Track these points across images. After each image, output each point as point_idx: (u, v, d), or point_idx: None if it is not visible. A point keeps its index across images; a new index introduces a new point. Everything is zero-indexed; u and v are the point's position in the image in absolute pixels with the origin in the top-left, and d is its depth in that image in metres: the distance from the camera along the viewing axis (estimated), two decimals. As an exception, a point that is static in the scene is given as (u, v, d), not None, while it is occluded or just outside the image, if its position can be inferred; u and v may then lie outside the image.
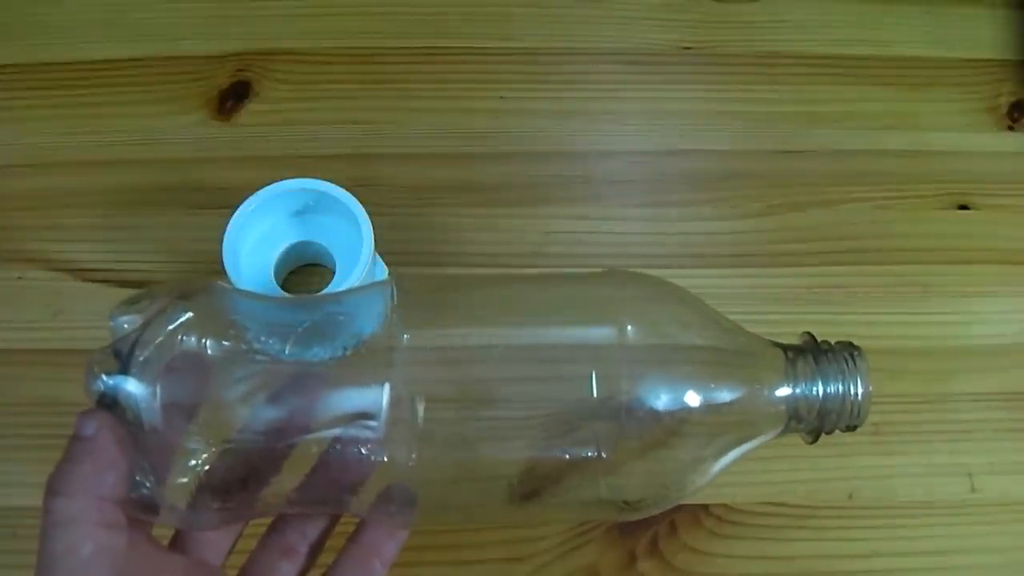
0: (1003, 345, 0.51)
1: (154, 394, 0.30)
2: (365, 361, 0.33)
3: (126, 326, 0.32)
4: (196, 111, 0.55)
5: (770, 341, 0.36)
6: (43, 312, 0.50)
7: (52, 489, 0.29)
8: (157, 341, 0.31)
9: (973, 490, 0.48)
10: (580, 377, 0.34)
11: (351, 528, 0.37)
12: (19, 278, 0.50)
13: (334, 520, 0.36)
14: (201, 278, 0.36)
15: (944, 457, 0.49)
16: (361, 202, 0.46)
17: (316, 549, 0.36)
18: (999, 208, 0.55)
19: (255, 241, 0.48)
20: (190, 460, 0.31)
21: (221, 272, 0.44)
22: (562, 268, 0.52)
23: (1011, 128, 0.57)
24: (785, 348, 0.36)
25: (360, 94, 0.56)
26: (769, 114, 0.57)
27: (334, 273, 0.48)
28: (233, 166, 0.53)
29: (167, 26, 0.57)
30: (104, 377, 0.30)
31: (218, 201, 0.49)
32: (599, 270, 0.38)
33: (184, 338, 0.32)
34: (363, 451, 0.32)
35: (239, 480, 0.32)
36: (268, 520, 0.36)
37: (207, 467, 0.31)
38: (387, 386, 0.33)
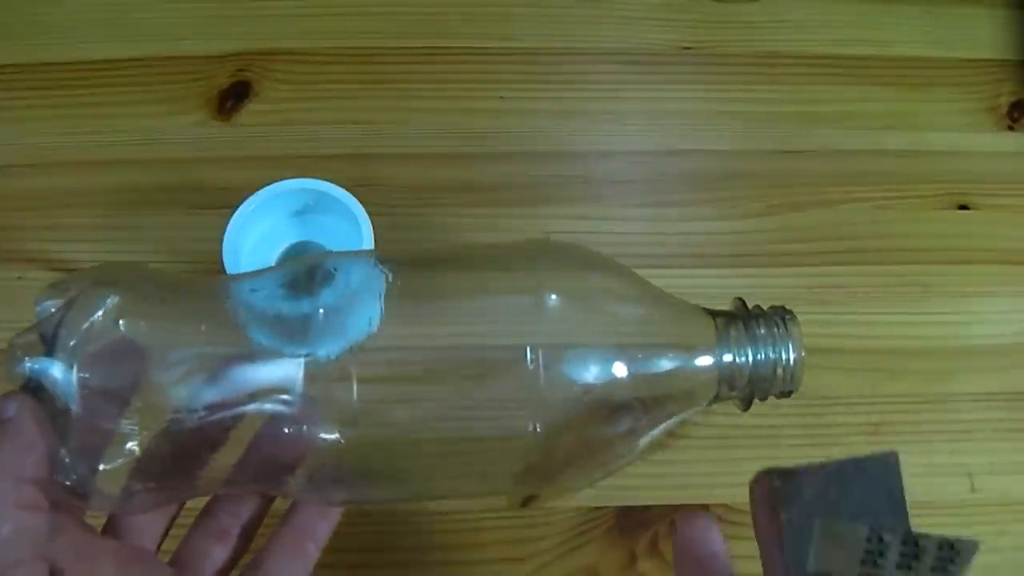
0: (1003, 345, 0.51)
1: (82, 378, 0.30)
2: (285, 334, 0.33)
3: (52, 310, 0.31)
4: (196, 111, 0.55)
5: (700, 308, 0.36)
6: (43, 312, 0.50)
7: None
8: (83, 325, 0.31)
9: (973, 490, 0.48)
10: (503, 348, 0.34)
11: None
12: (19, 278, 0.50)
13: (267, 502, 0.36)
14: (125, 262, 0.35)
15: (944, 457, 0.49)
16: (361, 202, 0.46)
17: (249, 532, 0.36)
18: (999, 208, 0.55)
19: (255, 241, 0.48)
20: (121, 444, 0.31)
21: (221, 270, 0.44)
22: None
23: (1011, 128, 0.57)
24: (715, 314, 0.36)
25: (360, 94, 0.56)
26: (769, 114, 0.57)
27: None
28: (233, 166, 0.53)
29: (167, 26, 0.57)
30: (28, 361, 0.30)
31: (218, 201, 0.49)
32: (522, 241, 0.39)
33: (111, 321, 0.31)
34: (288, 429, 0.32)
35: (171, 463, 0.32)
36: (201, 504, 0.36)
37: (139, 451, 0.31)
38: (302, 361, 0.33)
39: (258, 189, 0.46)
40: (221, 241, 0.44)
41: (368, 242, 0.45)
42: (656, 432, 0.36)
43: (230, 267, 0.44)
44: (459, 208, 0.53)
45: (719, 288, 0.52)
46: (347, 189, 0.46)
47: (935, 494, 0.48)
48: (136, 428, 0.31)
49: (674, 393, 0.35)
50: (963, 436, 0.49)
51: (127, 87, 0.55)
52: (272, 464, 0.34)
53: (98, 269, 0.34)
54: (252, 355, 0.33)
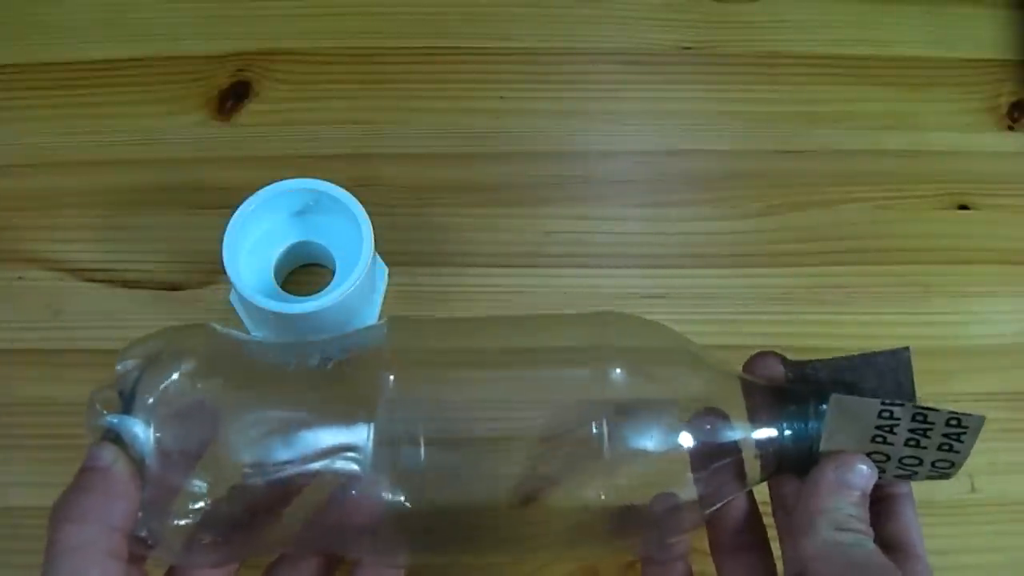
0: (1003, 345, 0.51)
1: (157, 436, 0.31)
2: (353, 399, 0.34)
3: (129, 364, 0.33)
4: (196, 111, 0.55)
5: (745, 379, 0.35)
6: (43, 312, 0.50)
7: (61, 516, 0.29)
8: (161, 384, 0.32)
9: (973, 490, 0.48)
10: (569, 418, 0.34)
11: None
12: (19, 278, 0.50)
13: (330, 562, 0.36)
14: (203, 326, 0.36)
15: (944, 457, 0.49)
16: (361, 202, 0.46)
17: None
18: (999, 208, 0.55)
19: (255, 241, 0.48)
20: (191, 501, 0.32)
21: (221, 270, 0.44)
22: (562, 268, 0.52)
23: (1011, 128, 0.57)
24: (757, 388, 0.35)
25: (360, 94, 0.56)
26: (769, 114, 0.57)
27: (334, 273, 0.48)
28: (233, 166, 0.53)
29: (167, 26, 0.57)
30: (107, 416, 0.31)
31: (218, 201, 0.49)
32: (589, 312, 0.39)
33: (186, 382, 0.33)
34: (354, 491, 0.33)
35: (238, 521, 0.33)
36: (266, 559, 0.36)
37: (207, 508, 0.32)
38: (372, 424, 0.33)
39: (258, 189, 0.46)
40: (221, 241, 0.44)
41: (368, 242, 0.45)
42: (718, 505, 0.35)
43: (230, 267, 0.44)
44: (459, 208, 0.53)
45: (719, 288, 0.52)
46: (347, 189, 0.46)
47: (935, 494, 0.48)
48: (206, 486, 0.32)
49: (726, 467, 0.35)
50: (963, 436, 0.49)
51: (127, 87, 0.55)
52: (339, 525, 0.34)
53: (177, 330, 0.35)
54: (320, 417, 0.34)
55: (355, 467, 0.33)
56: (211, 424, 0.33)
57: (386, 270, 0.50)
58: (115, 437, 0.31)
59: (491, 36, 0.57)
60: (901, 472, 0.32)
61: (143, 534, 0.31)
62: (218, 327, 0.36)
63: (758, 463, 0.34)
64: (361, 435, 0.33)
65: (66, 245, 0.51)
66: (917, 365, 0.50)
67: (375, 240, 0.45)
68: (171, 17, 0.57)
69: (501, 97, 0.56)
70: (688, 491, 0.34)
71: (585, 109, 0.56)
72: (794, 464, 0.33)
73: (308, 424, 0.33)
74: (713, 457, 0.34)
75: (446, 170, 0.54)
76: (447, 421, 0.35)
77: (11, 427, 0.48)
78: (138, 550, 0.32)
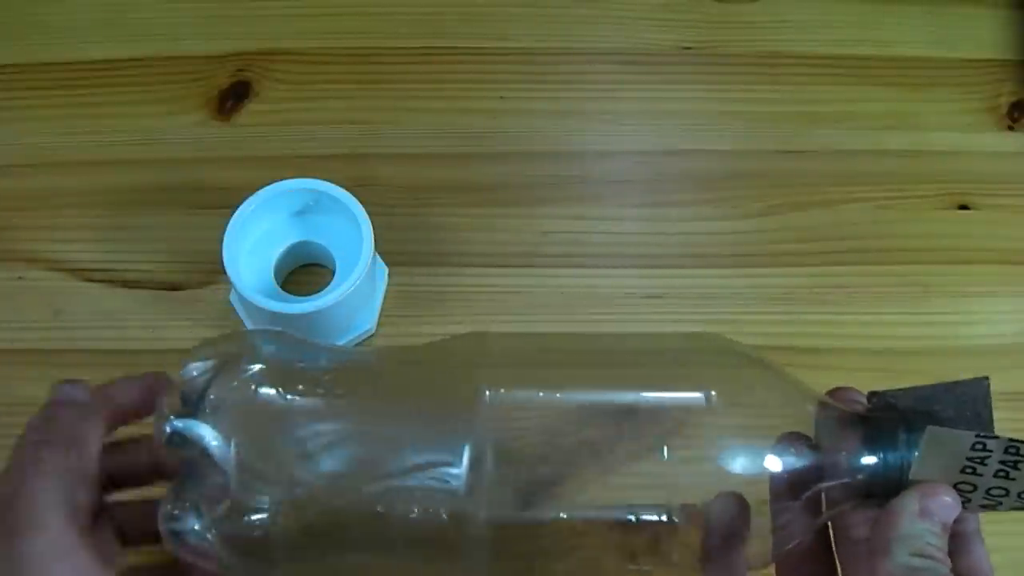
0: (1003, 345, 0.51)
1: (224, 440, 0.31)
2: (446, 419, 0.33)
3: (195, 373, 0.32)
4: (196, 111, 0.55)
5: (832, 406, 0.35)
6: (43, 312, 0.50)
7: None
8: (227, 388, 0.32)
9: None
10: (662, 442, 0.34)
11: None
12: (19, 278, 0.50)
13: None
14: (272, 330, 0.36)
15: (944, 458, 0.49)
16: (359, 202, 0.46)
17: None
18: (999, 208, 0.55)
19: (255, 241, 0.48)
20: (252, 513, 0.32)
21: (221, 270, 0.44)
22: (559, 268, 0.52)
23: (1011, 128, 0.57)
24: (846, 416, 0.34)
25: (358, 94, 0.56)
26: (770, 114, 0.57)
27: (334, 273, 0.48)
28: (233, 166, 0.53)
29: (167, 26, 0.57)
30: (173, 419, 0.31)
31: (218, 201, 0.49)
32: (684, 333, 0.39)
33: (255, 387, 0.33)
34: (438, 507, 0.32)
35: (299, 541, 0.32)
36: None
37: (269, 522, 0.32)
38: (468, 447, 0.32)
39: (258, 189, 0.46)
40: (221, 241, 0.44)
41: (368, 242, 0.45)
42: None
43: (230, 267, 0.44)
44: (456, 208, 0.53)
45: (719, 288, 0.52)
46: (346, 189, 0.46)
47: None
48: (272, 498, 0.32)
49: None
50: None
51: (127, 87, 0.55)
52: (408, 541, 0.33)
53: (245, 334, 0.36)
54: (410, 431, 0.33)
55: (450, 485, 0.32)
56: (283, 433, 0.32)
57: (386, 270, 0.50)
58: (181, 441, 0.31)
59: (488, 36, 0.57)
60: (986, 502, 0.32)
61: (187, 527, 0.31)
62: (290, 335, 0.36)
63: (841, 490, 0.34)
64: (456, 452, 0.32)
65: (66, 245, 0.51)
66: (917, 365, 0.50)
67: (374, 240, 0.45)
68: (171, 17, 0.57)
69: (501, 97, 0.56)
70: (766, 518, 0.33)
71: (583, 109, 0.56)
72: (882, 491, 0.33)
73: (395, 439, 0.33)
74: (799, 485, 0.33)
75: (443, 170, 0.54)
76: (549, 444, 0.34)
77: (11, 427, 0.47)
78: (189, 556, 0.31)
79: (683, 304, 0.52)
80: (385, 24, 0.57)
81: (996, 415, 0.49)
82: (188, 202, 0.52)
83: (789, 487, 0.33)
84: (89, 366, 0.48)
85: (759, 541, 0.33)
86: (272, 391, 0.33)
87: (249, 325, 0.48)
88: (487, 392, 0.33)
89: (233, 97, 0.55)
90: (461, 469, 0.32)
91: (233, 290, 0.46)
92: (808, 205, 0.54)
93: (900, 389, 0.34)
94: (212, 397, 0.32)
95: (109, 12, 0.57)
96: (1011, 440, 0.30)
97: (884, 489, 0.33)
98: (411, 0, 0.58)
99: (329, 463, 0.32)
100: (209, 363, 0.33)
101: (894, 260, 0.53)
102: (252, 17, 0.57)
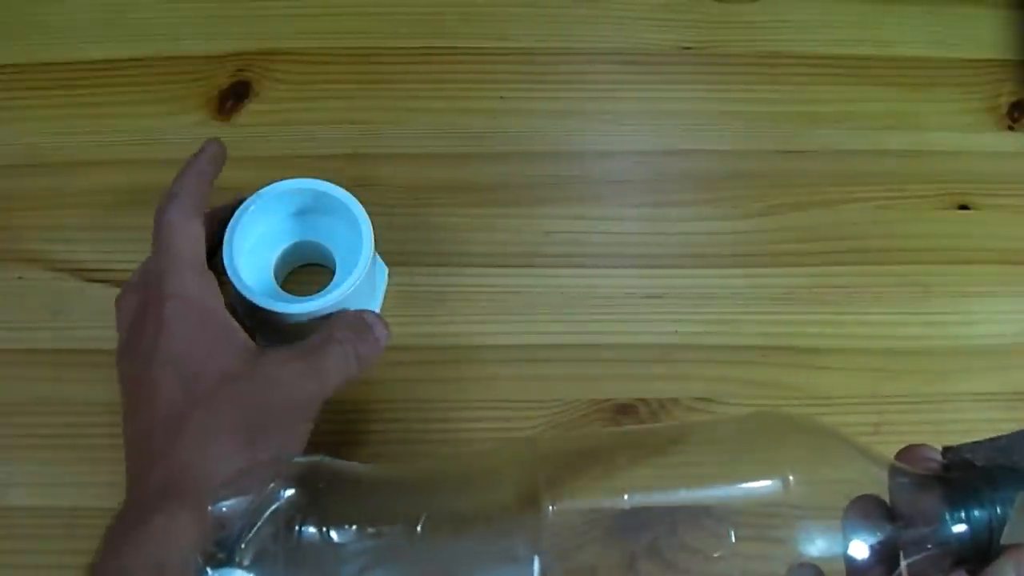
0: (1003, 345, 0.51)
1: None
2: (509, 533, 0.32)
3: (224, 510, 0.31)
4: (196, 111, 0.55)
5: (908, 471, 0.34)
6: (43, 312, 0.50)
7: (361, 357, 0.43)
8: (264, 530, 0.30)
9: (973, 490, 0.48)
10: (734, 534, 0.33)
11: None
12: (19, 278, 0.50)
13: None
14: (306, 456, 0.34)
15: (944, 457, 0.49)
16: (359, 202, 0.46)
17: None
18: (999, 208, 0.55)
19: (255, 241, 0.48)
20: None
21: (222, 270, 0.44)
22: (560, 268, 0.52)
23: (1011, 128, 0.57)
24: (924, 480, 0.33)
25: (358, 94, 0.56)
26: (770, 114, 0.57)
27: (334, 273, 0.48)
28: (233, 166, 0.53)
29: (167, 26, 0.57)
30: (210, 571, 0.29)
31: (218, 201, 0.49)
32: (746, 415, 0.37)
33: (294, 527, 0.31)
34: None
35: None
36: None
37: None
38: (536, 561, 0.31)
39: (258, 189, 0.46)
40: (221, 241, 0.44)
41: (368, 242, 0.45)
42: None
43: (229, 267, 0.44)
44: (457, 208, 0.53)
45: (719, 288, 0.52)
46: (346, 189, 0.46)
47: None
48: None
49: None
50: (963, 436, 0.48)
51: (127, 87, 0.55)
52: None
53: (275, 467, 0.33)
54: (452, 555, 0.32)
55: None
56: (320, 567, 0.31)
57: (386, 270, 0.50)
58: None
59: (488, 36, 0.57)
60: None
61: None
62: (326, 460, 0.33)
63: (927, 561, 0.32)
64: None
65: (66, 245, 0.51)
66: (917, 365, 0.51)
67: (375, 240, 0.45)
68: (171, 17, 0.57)
69: (501, 97, 0.56)
70: None
71: (583, 109, 0.56)
72: (971, 556, 0.31)
73: (454, 569, 0.31)
74: (882, 559, 0.31)
75: (443, 170, 0.54)
76: (617, 553, 0.33)
77: (11, 427, 0.48)
78: None
79: (683, 304, 0.52)
80: (385, 24, 0.57)
81: (996, 415, 0.50)
82: (188, 202, 0.52)
83: (872, 567, 0.31)
84: (89, 366, 0.48)
85: None
86: (313, 530, 0.31)
87: (249, 324, 0.48)
88: (550, 507, 0.31)
89: (233, 97, 0.55)
90: None
91: (233, 290, 0.46)
92: (808, 205, 0.54)
93: (976, 442, 0.33)
94: (248, 539, 0.30)
95: (109, 12, 0.57)
96: None
97: (974, 553, 0.31)
98: (411, 0, 0.58)
99: None
100: (242, 499, 0.31)
101: (894, 260, 0.53)
102: (252, 17, 0.57)
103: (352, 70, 0.56)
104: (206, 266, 0.43)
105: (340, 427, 0.48)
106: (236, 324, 0.42)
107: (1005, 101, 0.57)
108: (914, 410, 0.50)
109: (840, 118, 0.57)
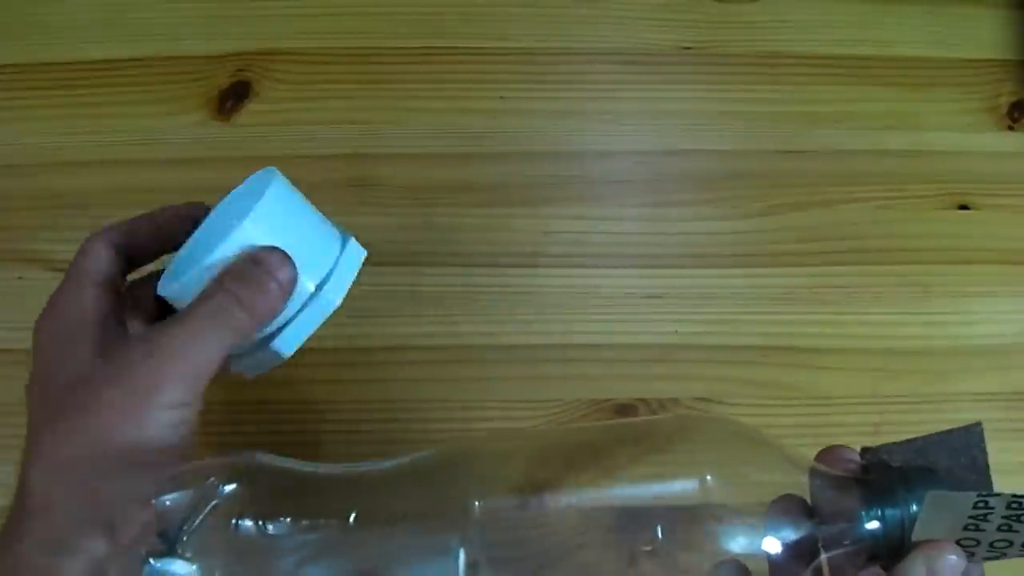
0: (1003, 345, 0.51)
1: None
2: (437, 528, 0.33)
3: (167, 503, 0.31)
4: (196, 111, 0.55)
5: (826, 472, 0.35)
6: (43, 312, 0.50)
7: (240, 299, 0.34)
8: (205, 523, 0.31)
9: (973, 491, 0.48)
10: (660, 532, 0.33)
11: None
12: (19, 278, 0.50)
13: None
14: (246, 453, 0.34)
15: (944, 458, 0.49)
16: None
17: None
18: (999, 208, 0.55)
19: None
20: None
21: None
22: (560, 268, 0.52)
23: (1011, 128, 0.57)
24: (841, 480, 0.34)
25: (358, 94, 0.56)
26: (770, 114, 0.57)
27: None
28: (233, 166, 0.53)
29: (167, 26, 0.57)
30: (153, 561, 0.30)
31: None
32: (671, 416, 0.39)
33: (234, 518, 0.31)
34: None
35: None
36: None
37: None
38: (462, 555, 0.31)
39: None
40: None
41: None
42: None
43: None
44: (457, 208, 0.53)
45: (720, 288, 0.52)
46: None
47: None
48: None
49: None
50: (963, 436, 0.49)
51: (127, 87, 0.55)
52: None
53: (219, 463, 0.33)
54: (386, 551, 0.33)
55: None
56: (259, 560, 0.32)
57: (360, 253, 0.41)
58: None
59: (488, 36, 0.57)
60: (990, 554, 0.32)
61: None
62: (266, 456, 0.34)
63: (844, 557, 0.33)
64: (451, 570, 0.31)
65: (66, 245, 0.51)
66: (917, 365, 0.51)
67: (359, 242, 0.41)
68: (171, 17, 0.57)
69: (501, 97, 0.56)
70: None
71: (583, 109, 0.56)
72: (885, 552, 0.33)
73: (386, 564, 0.32)
74: (800, 556, 0.32)
75: (444, 170, 0.54)
76: (544, 549, 0.33)
77: (11, 427, 0.48)
78: None
79: (683, 304, 0.52)
80: (385, 24, 0.57)
81: (996, 415, 0.50)
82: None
83: (792, 562, 0.32)
84: (89, 366, 0.48)
85: None
86: (252, 523, 0.31)
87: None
88: (477, 505, 0.32)
89: (233, 97, 0.55)
90: None
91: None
92: (808, 205, 0.54)
93: (894, 443, 0.34)
94: (190, 532, 0.31)
95: (109, 12, 0.57)
96: (1014, 496, 0.30)
97: (888, 550, 0.32)
98: (411, 0, 0.58)
99: None
100: (184, 493, 0.31)
101: (894, 260, 0.53)
102: (252, 17, 0.57)
103: (352, 70, 0.56)
104: (106, 283, 0.38)
105: (340, 427, 0.48)
106: (94, 321, 0.37)
107: (1005, 101, 0.57)
108: (914, 410, 0.50)
109: (840, 118, 0.57)
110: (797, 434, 0.49)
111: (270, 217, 0.36)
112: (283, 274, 0.35)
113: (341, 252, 0.39)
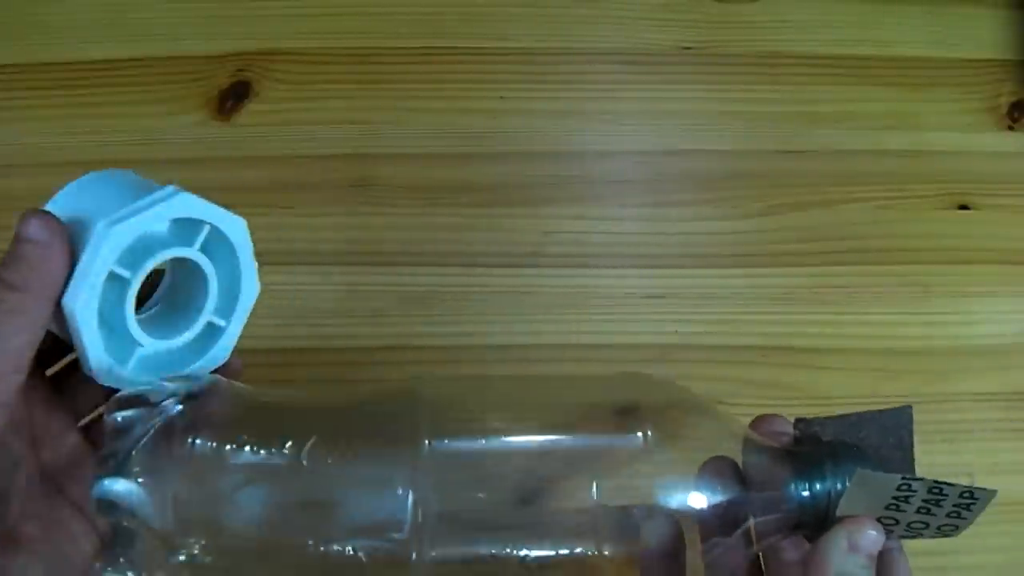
0: (1003, 345, 0.51)
1: (155, 501, 0.30)
2: (388, 465, 0.33)
3: (119, 419, 0.31)
4: (196, 111, 0.55)
5: (759, 441, 0.35)
6: (43, 312, 0.50)
7: (5, 281, 0.30)
8: (153, 442, 0.31)
9: (973, 490, 0.48)
10: (600, 484, 0.34)
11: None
12: (19, 278, 0.50)
13: None
14: (204, 376, 0.34)
15: (944, 457, 0.49)
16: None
17: None
18: (999, 208, 0.55)
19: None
20: (178, 554, 0.31)
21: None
22: (560, 268, 0.52)
23: (1011, 128, 0.57)
24: (772, 450, 0.35)
25: (358, 94, 0.56)
26: (770, 114, 0.57)
27: None
28: (233, 166, 0.53)
29: (167, 26, 0.57)
30: (104, 480, 0.30)
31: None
32: (618, 374, 0.39)
33: (186, 439, 0.31)
34: (382, 558, 0.32)
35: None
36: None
37: (192, 562, 0.31)
38: (411, 494, 0.32)
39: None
40: None
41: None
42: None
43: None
44: (457, 208, 0.53)
45: (719, 288, 0.52)
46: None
47: None
48: (200, 548, 0.31)
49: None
50: (963, 436, 0.49)
51: (127, 87, 0.55)
52: None
53: (172, 383, 0.33)
54: (335, 481, 0.33)
55: (392, 545, 0.31)
56: (207, 482, 0.32)
57: (256, 286, 0.36)
58: (110, 507, 0.30)
59: (488, 36, 0.57)
60: (907, 534, 0.34)
61: None
62: (223, 381, 0.34)
63: (772, 524, 0.34)
64: (395, 507, 0.32)
65: (66, 245, 0.51)
66: (917, 365, 0.51)
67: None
68: (171, 17, 0.57)
69: (501, 97, 0.56)
70: (699, 553, 0.34)
71: (583, 109, 0.56)
72: (811, 523, 0.34)
73: (334, 496, 0.32)
74: (729, 521, 0.34)
75: (444, 170, 0.54)
76: (489, 490, 0.34)
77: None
78: None
79: (683, 304, 0.52)
80: (385, 24, 0.57)
81: (996, 415, 0.50)
82: (188, 202, 0.52)
83: (720, 524, 0.33)
84: (89, 366, 0.48)
85: None
86: (201, 444, 0.31)
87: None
88: (426, 442, 0.33)
89: (233, 97, 0.55)
90: (405, 527, 0.32)
91: None
92: (808, 205, 0.54)
93: (827, 417, 0.35)
94: (137, 450, 0.31)
95: (109, 12, 0.57)
96: (935, 482, 0.31)
97: (813, 520, 0.33)
98: (411, 0, 0.58)
99: (266, 523, 0.32)
100: (137, 411, 0.31)
101: (894, 260, 0.53)
102: (252, 17, 0.57)
103: (352, 70, 0.56)
104: None
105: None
106: None
107: (1005, 101, 0.57)
108: (914, 410, 0.50)
109: (840, 118, 0.57)
110: (797, 434, 0.49)
111: (66, 196, 0.36)
112: (31, 229, 0.31)
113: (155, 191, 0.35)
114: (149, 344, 0.34)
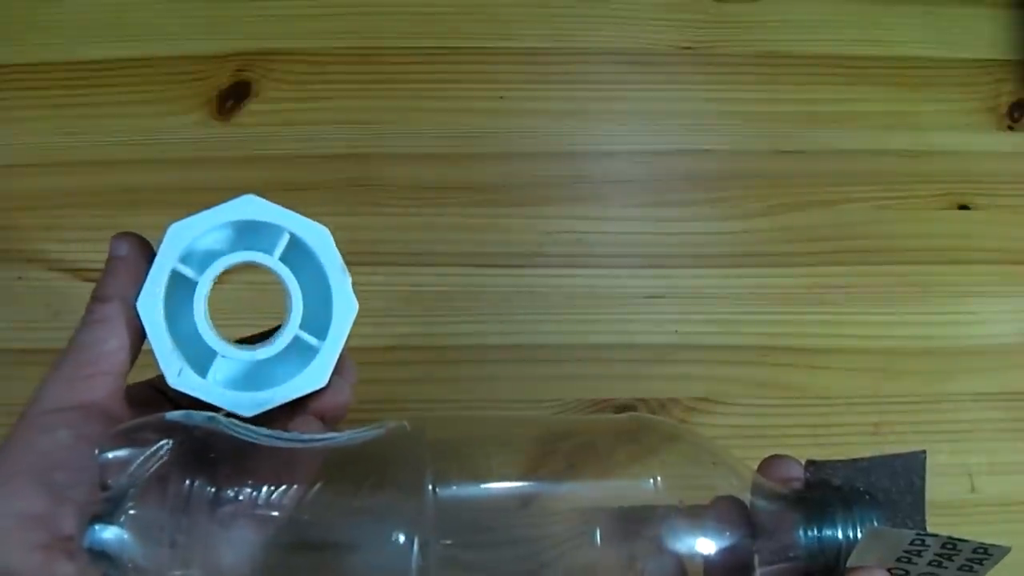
0: (1003, 345, 0.51)
1: (144, 544, 0.30)
2: (391, 513, 0.32)
3: (110, 456, 0.30)
4: (196, 111, 0.55)
5: (768, 487, 0.35)
6: (43, 312, 0.50)
7: (94, 296, 0.34)
8: (147, 486, 0.30)
9: (973, 490, 0.48)
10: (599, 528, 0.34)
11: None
12: (19, 278, 0.50)
13: None
14: (192, 414, 0.32)
15: (944, 457, 0.49)
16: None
17: None
18: (999, 208, 0.55)
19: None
20: None
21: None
22: (562, 267, 0.52)
23: (1011, 128, 0.57)
24: (781, 495, 0.34)
25: (359, 94, 0.56)
26: (769, 114, 0.57)
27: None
28: (233, 166, 0.53)
29: (167, 26, 0.57)
30: (97, 528, 0.29)
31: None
32: (624, 417, 0.38)
33: (181, 483, 0.30)
34: None
35: None
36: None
37: None
38: (416, 541, 0.31)
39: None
40: None
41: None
42: None
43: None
44: (458, 208, 0.53)
45: (719, 288, 0.52)
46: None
47: (935, 494, 0.47)
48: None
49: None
50: (963, 436, 0.49)
51: (127, 87, 0.55)
52: None
53: (160, 421, 0.32)
54: (336, 527, 0.32)
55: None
56: (200, 527, 0.31)
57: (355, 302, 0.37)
58: (100, 553, 0.29)
59: (490, 36, 0.57)
60: None
61: None
62: (224, 420, 0.33)
63: (779, 573, 0.33)
64: (400, 556, 0.31)
65: (66, 245, 0.51)
66: (917, 365, 0.51)
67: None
68: (171, 17, 0.57)
69: (502, 97, 0.56)
70: None
71: (585, 109, 0.56)
72: (821, 572, 0.33)
73: (339, 544, 0.32)
74: (735, 565, 0.33)
75: (444, 170, 0.54)
76: (497, 541, 0.34)
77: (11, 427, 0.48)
78: None
79: (683, 304, 0.52)
80: (385, 24, 0.57)
81: (996, 415, 0.50)
82: (188, 202, 0.52)
83: (727, 570, 0.33)
84: (89, 366, 0.48)
85: None
86: (200, 489, 0.31)
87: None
88: (431, 488, 0.32)
89: (233, 97, 0.55)
90: (410, 568, 0.31)
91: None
92: (808, 205, 0.54)
93: (839, 461, 0.34)
94: (131, 496, 0.29)
95: (109, 12, 0.57)
96: (949, 537, 0.31)
97: (822, 570, 0.33)
98: (411, 0, 0.58)
99: (267, 571, 0.31)
100: (129, 451, 0.30)
101: (894, 260, 0.53)
102: (252, 17, 0.57)
103: (354, 70, 0.56)
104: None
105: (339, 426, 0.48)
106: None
107: (1005, 101, 0.57)
108: (914, 410, 0.50)
109: (839, 118, 0.57)
110: (797, 434, 0.49)
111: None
112: (113, 247, 0.35)
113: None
114: (229, 353, 0.33)
